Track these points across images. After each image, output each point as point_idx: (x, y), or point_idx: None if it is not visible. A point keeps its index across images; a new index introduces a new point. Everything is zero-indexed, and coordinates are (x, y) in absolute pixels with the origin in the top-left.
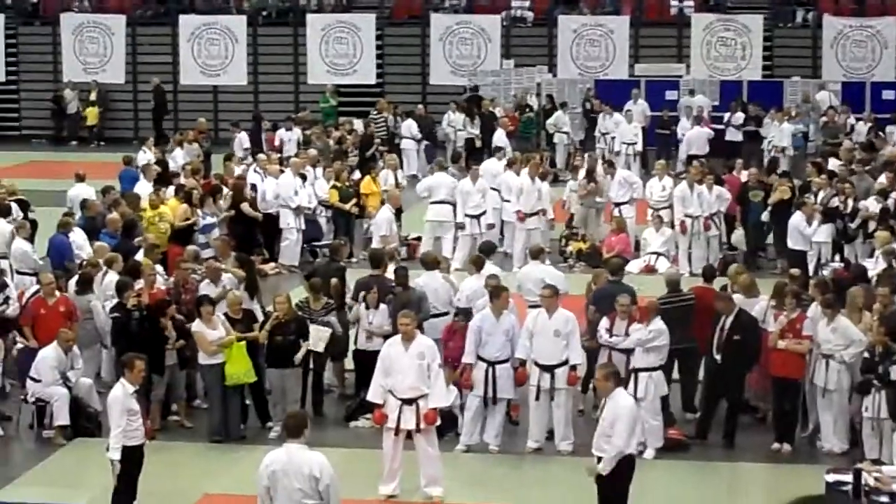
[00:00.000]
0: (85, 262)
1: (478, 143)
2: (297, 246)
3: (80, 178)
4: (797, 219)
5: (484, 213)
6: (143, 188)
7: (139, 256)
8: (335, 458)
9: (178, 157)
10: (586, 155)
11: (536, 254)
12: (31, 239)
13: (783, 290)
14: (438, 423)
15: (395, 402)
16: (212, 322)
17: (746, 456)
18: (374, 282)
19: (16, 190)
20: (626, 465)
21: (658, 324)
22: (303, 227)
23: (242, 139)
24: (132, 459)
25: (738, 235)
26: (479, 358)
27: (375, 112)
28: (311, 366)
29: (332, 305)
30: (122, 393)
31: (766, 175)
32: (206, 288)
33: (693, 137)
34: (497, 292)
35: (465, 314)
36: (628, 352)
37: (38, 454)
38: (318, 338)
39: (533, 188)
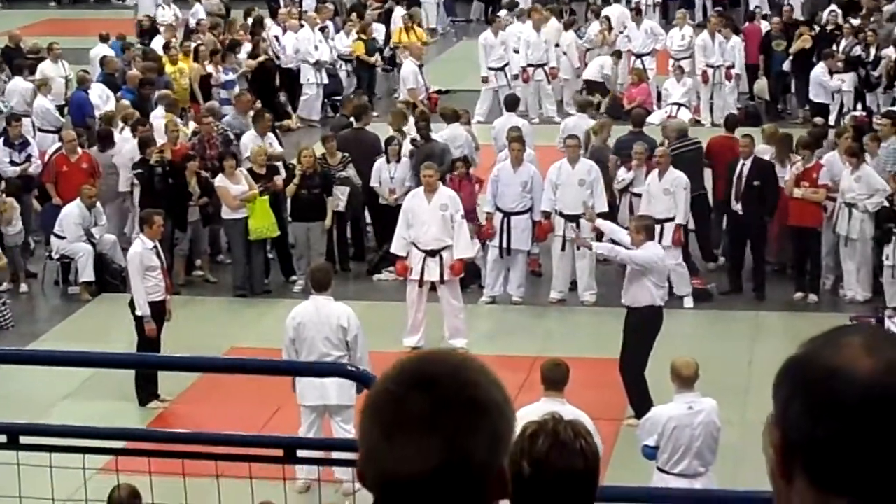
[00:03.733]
0: (101, 120)
1: None
2: (317, 101)
3: (104, 39)
4: (819, 70)
5: (507, 65)
6: (159, 44)
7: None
8: (358, 311)
9: (198, 13)
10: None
11: (584, 106)
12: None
13: (806, 142)
14: (463, 274)
15: (418, 255)
16: (235, 176)
17: (769, 305)
18: (356, 135)
19: (39, 49)
20: (653, 316)
21: (675, 173)
22: (325, 81)
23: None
24: (154, 314)
25: (761, 85)
26: (497, 208)
27: None
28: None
29: (348, 159)
30: (141, 249)
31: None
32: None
33: None
34: (511, 144)
35: (465, 160)
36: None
37: (63, 310)
38: (336, 199)
39: (539, 40)
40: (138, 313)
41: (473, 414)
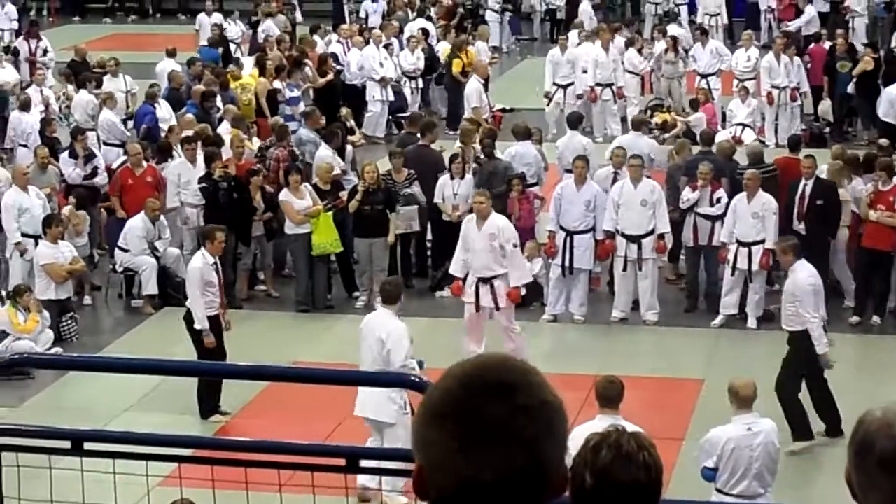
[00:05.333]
0: (165, 132)
1: (559, 15)
2: (381, 117)
3: (171, 54)
4: (893, 90)
5: (572, 83)
6: (249, 62)
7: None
8: (420, 327)
9: (268, 29)
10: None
11: (638, 125)
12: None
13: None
14: (521, 299)
15: (472, 279)
16: (299, 191)
17: (830, 327)
18: (419, 152)
19: (105, 63)
20: (807, 341)
21: (764, 196)
22: (391, 98)
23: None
24: (210, 328)
25: (825, 106)
26: (560, 227)
27: None
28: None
29: (414, 176)
30: (202, 263)
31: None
32: None
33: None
34: (575, 162)
35: (521, 178)
36: (713, 219)
37: (126, 323)
38: (408, 218)
39: (608, 59)
40: (197, 326)
41: (548, 419)
